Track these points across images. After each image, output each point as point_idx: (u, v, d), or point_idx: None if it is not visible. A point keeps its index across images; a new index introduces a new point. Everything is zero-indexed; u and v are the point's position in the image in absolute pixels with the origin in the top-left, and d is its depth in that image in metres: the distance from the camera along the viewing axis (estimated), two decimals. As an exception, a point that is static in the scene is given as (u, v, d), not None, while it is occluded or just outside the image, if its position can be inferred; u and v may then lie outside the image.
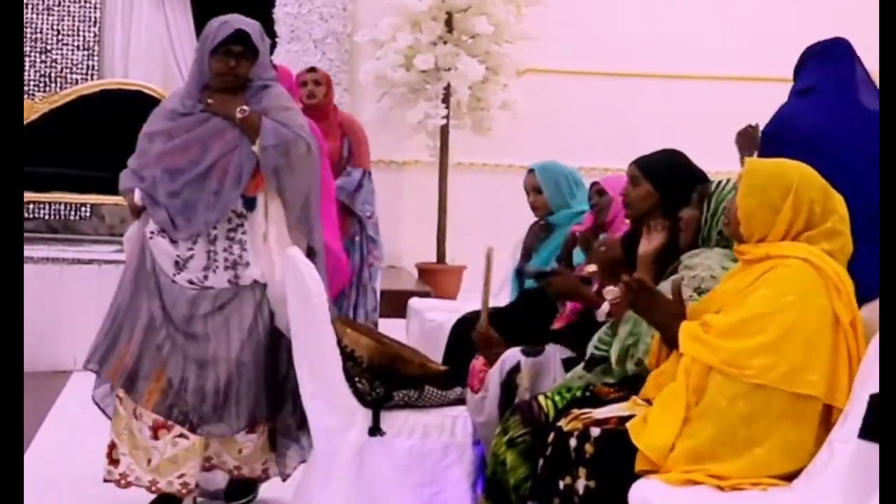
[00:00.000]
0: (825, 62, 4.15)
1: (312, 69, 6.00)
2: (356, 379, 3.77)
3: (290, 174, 3.89)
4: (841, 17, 7.33)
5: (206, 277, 3.80)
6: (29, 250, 6.28)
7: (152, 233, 3.79)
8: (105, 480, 3.82)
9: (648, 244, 3.56)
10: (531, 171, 4.74)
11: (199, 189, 3.77)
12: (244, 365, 3.84)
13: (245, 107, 3.82)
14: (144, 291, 3.80)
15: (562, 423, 3.17)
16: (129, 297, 3.82)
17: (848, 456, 2.67)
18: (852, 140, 3.91)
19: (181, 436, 3.79)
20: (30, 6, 7.73)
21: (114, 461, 3.82)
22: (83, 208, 7.81)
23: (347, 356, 3.78)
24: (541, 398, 3.47)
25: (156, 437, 3.79)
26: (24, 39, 7.73)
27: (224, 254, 3.81)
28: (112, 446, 3.82)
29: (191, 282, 3.79)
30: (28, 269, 5.78)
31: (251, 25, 3.86)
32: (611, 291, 3.47)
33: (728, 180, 3.39)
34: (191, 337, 3.79)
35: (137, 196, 3.80)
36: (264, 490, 4.23)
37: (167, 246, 3.78)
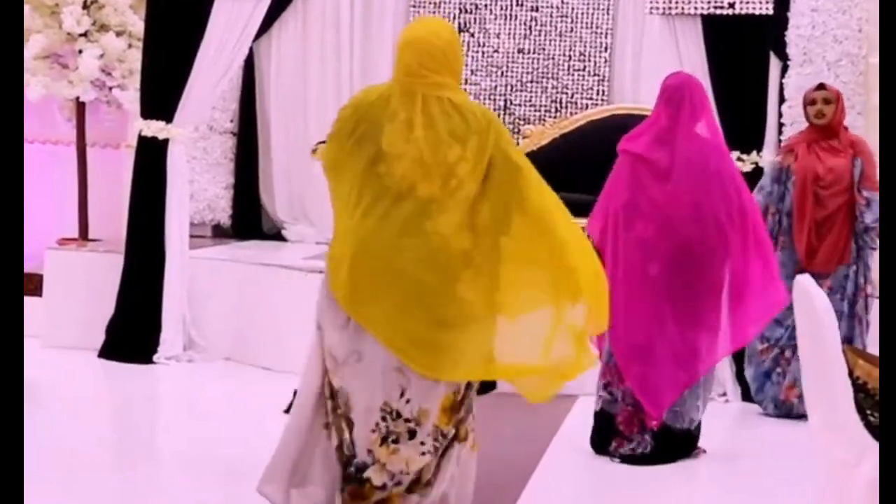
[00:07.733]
0: None
1: (821, 86, 5.92)
2: (868, 412, 3.62)
3: None
4: None
5: None
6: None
7: None
8: None
9: None
10: None
11: None
12: None
13: None
14: None
15: None
16: None
17: None
18: None
19: None
20: (542, 33, 7.60)
21: None
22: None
23: (859, 388, 3.65)
24: None
25: None
26: (537, 67, 7.61)
27: None
28: None
29: None
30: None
31: None
32: None
33: None
34: None
35: None
36: None
37: None
